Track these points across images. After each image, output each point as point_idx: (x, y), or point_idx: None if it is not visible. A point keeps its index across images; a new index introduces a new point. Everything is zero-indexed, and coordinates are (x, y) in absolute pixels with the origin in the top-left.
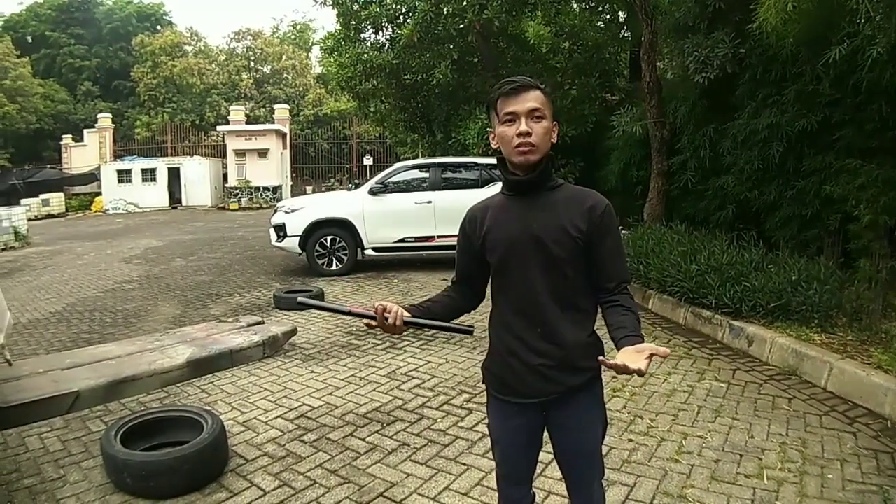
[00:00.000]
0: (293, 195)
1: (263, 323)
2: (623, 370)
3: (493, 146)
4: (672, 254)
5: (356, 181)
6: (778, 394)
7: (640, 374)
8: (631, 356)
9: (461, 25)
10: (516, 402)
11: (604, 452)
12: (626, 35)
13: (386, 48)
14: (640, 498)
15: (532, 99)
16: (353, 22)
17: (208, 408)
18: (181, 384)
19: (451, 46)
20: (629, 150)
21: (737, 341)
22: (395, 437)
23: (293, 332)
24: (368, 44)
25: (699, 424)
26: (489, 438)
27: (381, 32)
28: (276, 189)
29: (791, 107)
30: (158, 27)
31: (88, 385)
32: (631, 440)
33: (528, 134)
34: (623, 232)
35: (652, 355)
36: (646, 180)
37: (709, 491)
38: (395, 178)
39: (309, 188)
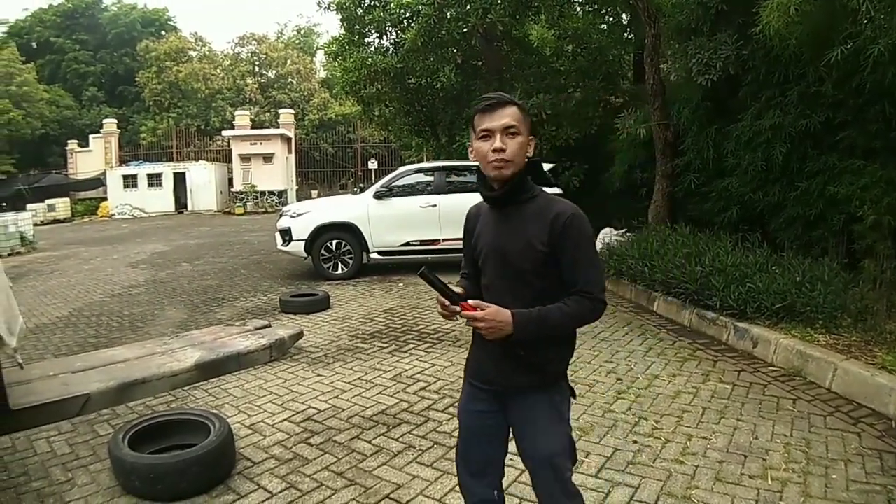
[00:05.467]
0: (299, 199)
1: (270, 326)
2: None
3: (471, 160)
4: (677, 256)
5: (361, 185)
6: (782, 395)
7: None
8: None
9: (465, 29)
10: (479, 386)
11: (607, 455)
12: (629, 38)
13: (390, 52)
14: (645, 499)
15: (507, 116)
16: (357, 26)
17: (215, 411)
18: (188, 387)
19: (455, 50)
20: (633, 152)
21: (742, 343)
22: (401, 440)
23: (300, 335)
24: (372, 48)
25: (704, 426)
26: None
27: (384, 37)
28: (281, 193)
29: (794, 108)
30: (163, 32)
31: (98, 388)
32: (635, 441)
33: (503, 150)
34: (628, 234)
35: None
36: (650, 182)
37: (713, 492)
38: (400, 182)
39: (314, 192)
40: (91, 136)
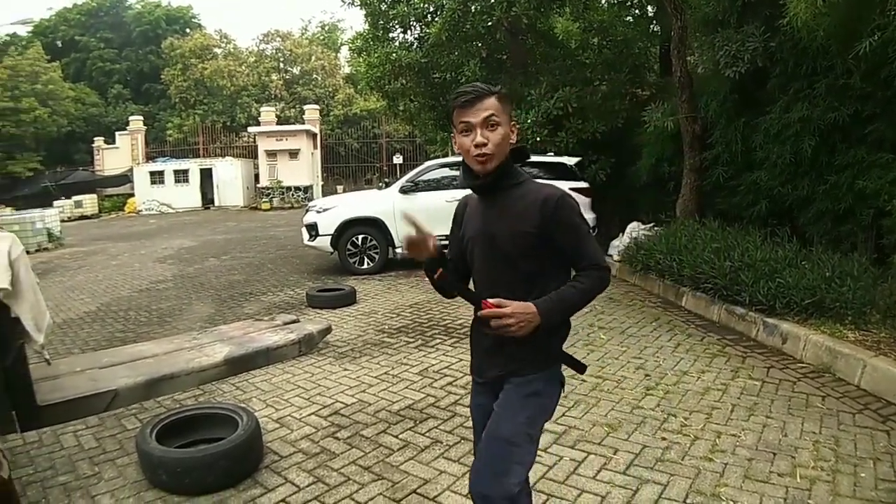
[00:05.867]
0: (324, 195)
1: (299, 321)
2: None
3: (455, 152)
4: (705, 250)
5: (386, 180)
6: (811, 392)
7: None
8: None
9: (489, 23)
10: (477, 380)
11: (636, 451)
12: (655, 30)
13: (414, 47)
14: (674, 497)
15: (486, 108)
16: (381, 21)
17: (243, 405)
18: (216, 382)
19: (480, 44)
20: (661, 145)
21: (771, 339)
22: (427, 434)
23: (328, 330)
24: (397, 43)
25: (733, 423)
26: None
27: (409, 31)
28: (307, 189)
29: (822, 100)
30: (187, 30)
31: (126, 383)
32: (664, 438)
33: (484, 144)
34: (655, 228)
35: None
36: (678, 176)
37: (742, 490)
38: (425, 177)
39: (340, 188)
40: (117, 134)
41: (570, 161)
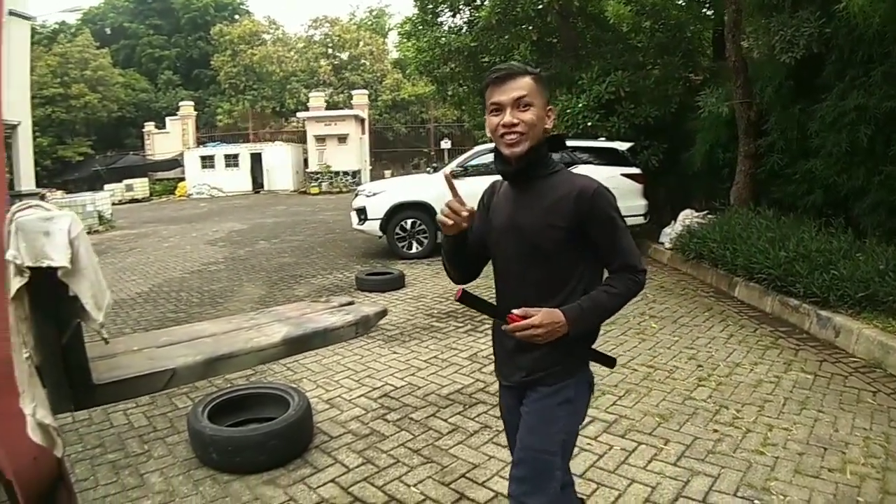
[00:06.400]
0: (372, 179)
1: (354, 304)
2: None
3: (488, 135)
4: (760, 239)
5: (434, 165)
6: (863, 387)
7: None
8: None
9: (540, 6)
10: (502, 382)
11: (687, 443)
12: (708, 13)
13: (463, 31)
14: (724, 489)
15: (519, 88)
16: (430, 6)
17: (294, 385)
18: (268, 363)
19: (531, 27)
20: (715, 131)
21: (823, 331)
22: (477, 419)
23: (384, 313)
24: (446, 27)
25: (785, 416)
26: None
27: (458, 15)
28: (355, 174)
29: (878, 89)
30: (236, 16)
31: (185, 362)
32: (716, 430)
33: (514, 125)
34: (709, 216)
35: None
36: (732, 162)
37: (792, 484)
38: (475, 162)
39: (387, 172)
40: (168, 119)
41: (623, 146)
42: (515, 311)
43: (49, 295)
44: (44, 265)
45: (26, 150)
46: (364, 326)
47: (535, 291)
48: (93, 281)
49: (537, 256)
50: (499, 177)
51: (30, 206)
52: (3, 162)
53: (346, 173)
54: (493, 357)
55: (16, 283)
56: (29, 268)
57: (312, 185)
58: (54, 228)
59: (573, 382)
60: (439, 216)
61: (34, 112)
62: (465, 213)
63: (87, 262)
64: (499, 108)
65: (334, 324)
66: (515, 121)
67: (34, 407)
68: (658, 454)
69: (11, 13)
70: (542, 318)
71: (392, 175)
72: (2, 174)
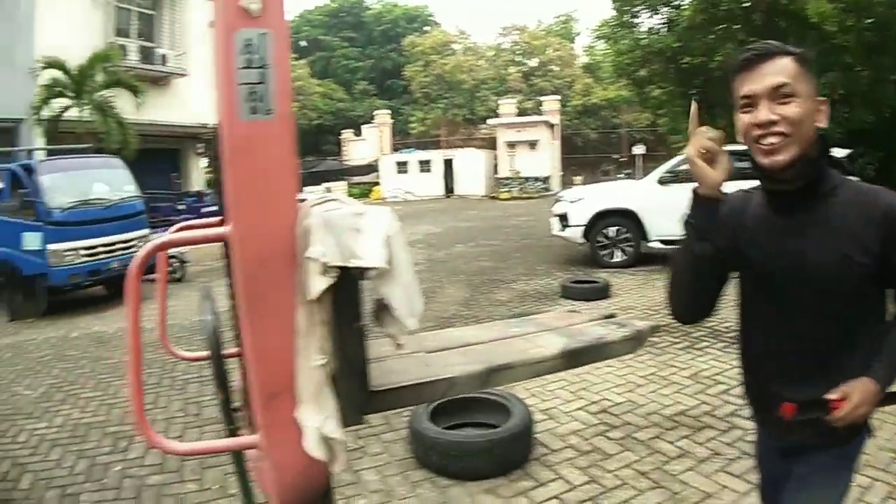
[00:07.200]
0: (563, 186)
1: (614, 316)
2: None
3: (738, 139)
4: None
5: (627, 171)
6: None
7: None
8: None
9: (747, 4)
10: (761, 431)
11: None
12: None
13: (663, 32)
14: None
15: (776, 72)
16: (628, 7)
17: (510, 392)
18: None
19: (738, 27)
20: None
21: None
22: (706, 445)
23: (657, 328)
24: (644, 28)
25: None
26: None
27: (656, 15)
28: (545, 179)
29: None
30: (426, 28)
31: (466, 371)
32: None
33: (772, 123)
34: None
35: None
36: None
37: None
38: (686, 167)
39: (577, 178)
40: (364, 126)
41: (841, 153)
42: (835, 396)
43: (353, 298)
44: (353, 265)
45: None
46: (638, 342)
47: (812, 353)
48: (407, 283)
49: (821, 304)
50: (739, 184)
51: (331, 201)
52: (296, 156)
53: (536, 179)
54: (716, 378)
55: (321, 283)
56: (336, 267)
57: (502, 190)
58: (367, 225)
59: (862, 435)
60: (688, 152)
61: None
62: (722, 157)
63: (403, 264)
64: (751, 102)
65: (610, 337)
66: (774, 117)
67: (324, 419)
68: (894, 492)
69: None
70: (863, 398)
71: (583, 181)
72: (294, 171)
